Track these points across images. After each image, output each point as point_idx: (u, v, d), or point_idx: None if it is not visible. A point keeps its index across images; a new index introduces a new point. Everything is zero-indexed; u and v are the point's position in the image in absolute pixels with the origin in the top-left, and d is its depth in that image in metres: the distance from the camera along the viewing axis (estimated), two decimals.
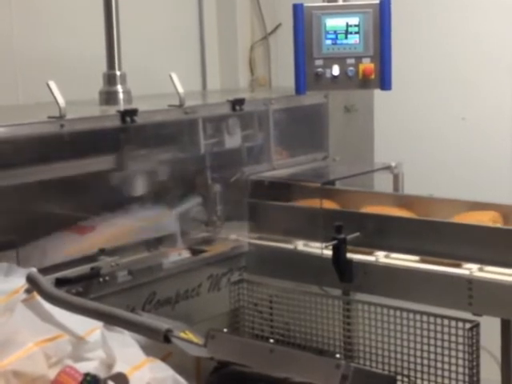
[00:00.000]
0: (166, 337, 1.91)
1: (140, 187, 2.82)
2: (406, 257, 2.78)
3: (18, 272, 2.17)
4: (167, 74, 2.85)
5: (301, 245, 3.01)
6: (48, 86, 2.49)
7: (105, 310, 2.03)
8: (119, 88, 3.03)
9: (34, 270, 2.16)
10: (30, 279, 2.13)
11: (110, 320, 2.02)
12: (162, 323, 1.96)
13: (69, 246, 2.59)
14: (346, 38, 3.10)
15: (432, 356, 2.53)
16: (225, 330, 1.96)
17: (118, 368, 1.92)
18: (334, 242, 2.72)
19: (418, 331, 2.55)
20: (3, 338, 1.89)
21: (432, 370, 2.54)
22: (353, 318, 2.75)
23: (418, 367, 2.56)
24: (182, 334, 2.04)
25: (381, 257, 2.81)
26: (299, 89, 3.18)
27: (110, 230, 2.71)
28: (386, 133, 3.76)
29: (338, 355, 1.87)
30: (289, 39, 3.17)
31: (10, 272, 2.18)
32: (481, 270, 2.61)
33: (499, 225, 2.76)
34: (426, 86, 3.92)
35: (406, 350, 2.59)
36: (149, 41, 3.79)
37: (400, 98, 3.66)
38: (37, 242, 2.50)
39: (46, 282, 2.14)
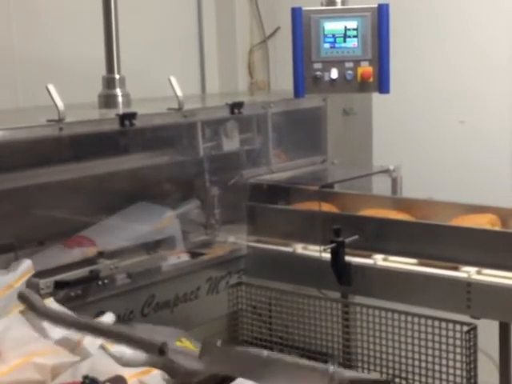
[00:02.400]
0: (162, 350, 1.90)
1: (139, 190, 2.83)
2: (404, 260, 2.78)
3: None
4: (166, 78, 2.85)
5: (299, 248, 3.01)
6: (47, 89, 2.50)
7: (97, 326, 2.01)
8: (118, 91, 3.04)
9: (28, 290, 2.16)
10: (22, 297, 2.12)
11: (103, 335, 1.99)
12: (156, 339, 1.93)
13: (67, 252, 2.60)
14: (345, 41, 3.11)
15: (430, 358, 2.53)
16: (218, 342, 1.93)
17: None
18: (333, 245, 2.72)
19: (416, 334, 2.55)
20: (98, 371, 1.85)
21: (430, 373, 2.54)
22: (351, 320, 2.75)
23: (416, 370, 2.56)
24: (178, 343, 2.03)
25: (379, 260, 2.81)
26: (298, 92, 3.19)
27: (109, 234, 2.72)
28: (384, 136, 3.76)
29: (332, 367, 1.84)
30: (287, 43, 3.18)
31: None
32: (479, 272, 2.62)
33: (497, 228, 2.76)
34: (424, 90, 3.92)
35: (404, 353, 2.59)
36: (148, 44, 3.80)
37: (398, 101, 3.68)
38: (36, 245, 2.51)
39: (39, 298, 2.13)
